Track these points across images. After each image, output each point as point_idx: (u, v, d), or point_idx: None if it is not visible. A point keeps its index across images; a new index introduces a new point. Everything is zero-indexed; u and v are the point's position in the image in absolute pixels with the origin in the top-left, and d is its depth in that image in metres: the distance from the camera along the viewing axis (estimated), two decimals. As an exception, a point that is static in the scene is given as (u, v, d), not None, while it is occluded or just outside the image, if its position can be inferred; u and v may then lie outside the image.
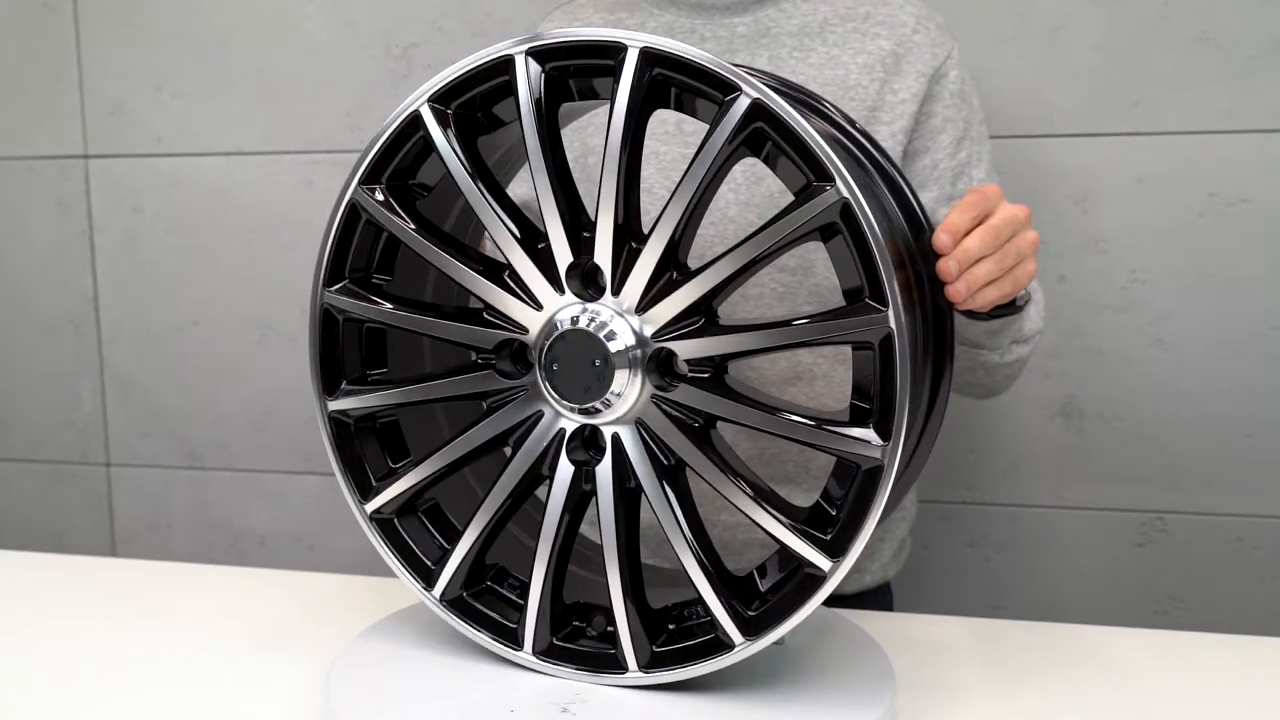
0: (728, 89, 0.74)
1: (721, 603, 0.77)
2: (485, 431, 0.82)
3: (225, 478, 1.82)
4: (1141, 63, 1.43)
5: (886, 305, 0.71)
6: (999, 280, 0.83)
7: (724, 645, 0.78)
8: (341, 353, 0.86)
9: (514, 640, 0.84)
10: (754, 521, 0.77)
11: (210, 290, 1.77)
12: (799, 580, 0.76)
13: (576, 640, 0.84)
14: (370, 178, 0.83)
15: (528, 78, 0.77)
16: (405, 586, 0.87)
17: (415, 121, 0.80)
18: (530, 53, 0.78)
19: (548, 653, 0.84)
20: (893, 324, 0.71)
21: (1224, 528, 1.50)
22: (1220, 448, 1.48)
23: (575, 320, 0.78)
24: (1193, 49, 1.42)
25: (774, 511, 0.76)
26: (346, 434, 0.86)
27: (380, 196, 0.82)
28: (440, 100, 0.80)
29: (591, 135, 1.18)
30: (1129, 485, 1.52)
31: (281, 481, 1.79)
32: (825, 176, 0.72)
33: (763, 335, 0.76)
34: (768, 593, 0.78)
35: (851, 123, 0.82)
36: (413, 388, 0.84)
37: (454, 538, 0.84)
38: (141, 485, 1.86)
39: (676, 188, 0.75)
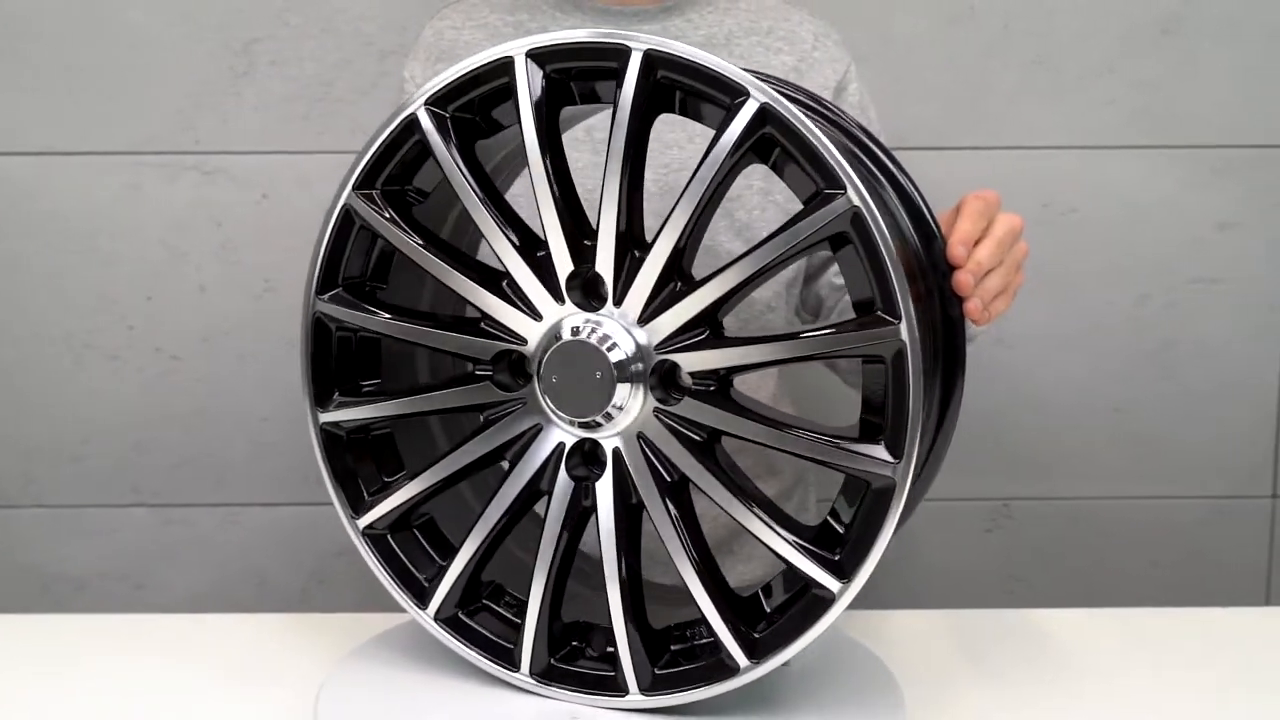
0: (735, 93, 0.72)
1: (726, 624, 0.75)
2: (482, 445, 0.80)
3: (34, 515, 1.63)
4: (985, 81, 1.54)
5: (899, 318, 0.69)
6: (1004, 292, 0.84)
7: (728, 668, 0.76)
8: (334, 363, 0.84)
9: (510, 661, 0.82)
10: (760, 541, 0.74)
11: (15, 305, 1.58)
12: (806, 601, 0.74)
13: (574, 661, 0.82)
14: (364, 183, 0.78)
15: (528, 80, 0.74)
16: (350, 625, 0.89)
17: (411, 125, 0.77)
18: (531, 54, 0.74)
19: (546, 674, 0.81)
20: (905, 338, 0.69)
21: (1060, 510, 1.64)
22: (1055, 437, 1.62)
23: (576, 331, 0.75)
24: (1029, 70, 1.54)
25: (781, 531, 0.74)
26: (338, 446, 0.84)
27: (375, 202, 0.78)
28: (437, 104, 0.77)
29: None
30: (978, 476, 1.63)
31: (104, 517, 1.62)
32: (835, 184, 0.70)
33: (770, 348, 0.74)
34: (773, 614, 0.76)
35: (862, 129, 0.82)
36: (408, 400, 0.81)
37: (449, 554, 0.81)
38: (-75, 529, 1.64)
39: (681, 194, 0.73)
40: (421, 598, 0.83)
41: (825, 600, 0.73)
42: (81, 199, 1.55)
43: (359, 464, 0.85)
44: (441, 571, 0.81)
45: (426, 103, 0.77)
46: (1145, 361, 1.60)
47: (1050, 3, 1.52)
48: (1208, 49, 1.53)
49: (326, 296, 0.81)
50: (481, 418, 0.80)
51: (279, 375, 1.59)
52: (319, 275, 0.82)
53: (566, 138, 1.11)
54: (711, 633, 0.76)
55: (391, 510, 0.82)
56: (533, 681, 0.81)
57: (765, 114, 0.72)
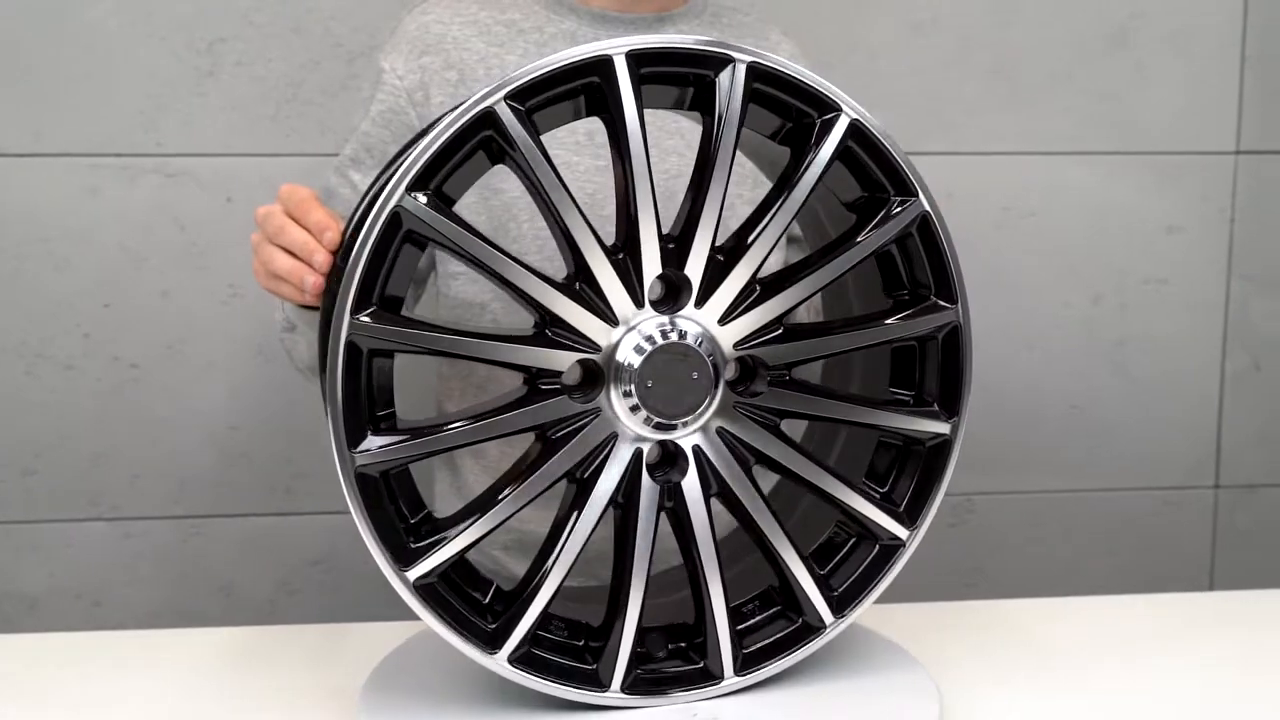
0: (826, 108, 0.78)
1: (817, 585, 0.80)
2: (561, 465, 0.75)
3: (-17, 532, 1.56)
4: (947, 90, 1.59)
5: (955, 301, 0.80)
6: None
7: (813, 628, 0.81)
8: (368, 393, 0.73)
9: (595, 683, 0.78)
10: (837, 499, 0.80)
11: (-37, 313, 1.51)
12: (876, 554, 0.82)
13: (643, 665, 0.80)
14: (416, 183, 0.72)
15: (630, 80, 0.74)
16: (325, 636, 0.84)
17: (484, 119, 0.72)
18: (631, 55, 0.74)
19: (633, 687, 0.78)
20: (960, 318, 0.81)
21: (1018, 504, 1.69)
22: (1015, 433, 1.67)
23: (666, 334, 0.75)
24: (988, 80, 1.59)
25: (856, 487, 0.80)
26: (373, 490, 0.73)
27: (434, 204, 0.73)
28: (516, 98, 0.73)
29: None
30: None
31: (58, 531, 1.56)
32: (906, 191, 0.78)
33: (847, 338, 0.80)
34: (836, 570, 0.83)
35: None
36: (468, 427, 0.74)
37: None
38: None
39: (779, 207, 0.75)
40: (492, 641, 0.75)
41: (894, 547, 0.82)
42: (35, 202, 1.49)
43: (395, 507, 0.75)
44: (519, 610, 0.75)
45: (506, 97, 0.72)
46: (1100, 360, 1.67)
47: (1009, 15, 1.58)
48: (1157, 60, 1.60)
49: (365, 314, 0.71)
50: (547, 436, 0.75)
51: (246, 383, 1.55)
52: (357, 289, 0.71)
53: (568, 142, 1.11)
54: (776, 603, 0.81)
55: (452, 556, 0.74)
56: (624, 697, 0.78)
57: (854, 129, 0.78)
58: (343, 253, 0.76)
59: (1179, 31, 1.59)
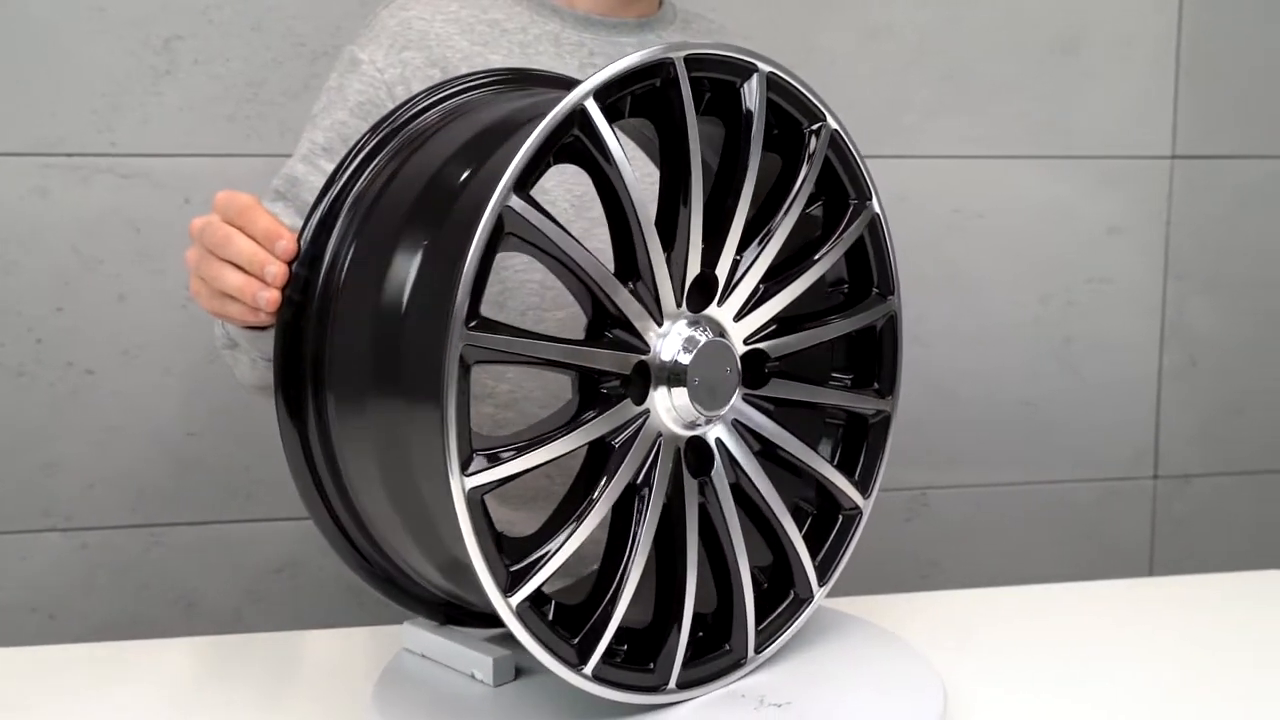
0: (814, 117, 0.82)
1: (810, 555, 0.85)
2: (627, 473, 0.73)
3: (-73, 546, 1.50)
4: (902, 94, 1.63)
5: (893, 293, 0.88)
6: None
7: (803, 599, 0.86)
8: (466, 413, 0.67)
9: (652, 687, 0.77)
10: (815, 470, 0.85)
11: (-95, 319, 1.46)
12: (840, 524, 0.88)
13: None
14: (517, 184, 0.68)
15: (689, 84, 0.75)
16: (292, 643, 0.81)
17: (569, 119, 0.69)
18: (686, 60, 0.75)
19: (684, 684, 0.79)
20: (897, 307, 0.89)
21: (971, 498, 1.75)
22: (968, 429, 1.72)
23: (704, 331, 0.77)
24: (941, 85, 1.64)
25: (829, 463, 0.86)
26: (480, 514, 0.68)
27: (533, 204, 0.69)
28: (597, 96, 0.70)
29: None
30: (898, 468, 1.71)
31: (10, 544, 1.51)
32: (864, 195, 0.85)
33: (836, 326, 0.85)
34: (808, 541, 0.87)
35: None
36: (557, 443, 0.70)
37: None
38: None
39: (790, 204, 0.78)
40: (580, 657, 0.72)
41: (853, 517, 0.88)
42: (-18, 203, 1.44)
43: (492, 532, 0.70)
44: (602, 623, 0.73)
45: (593, 94, 0.70)
46: (1048, 357, 1.73)
47: (961, 22, 1.63)
48: (1099, 68, 1.67)
49: (473, 325, 0.65)
50: (605, 443, 0.73)
51: (203, 389, 1.52)
52: (470, 297, 0.65)
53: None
54: (762, 582, 0.85)
55: (549, 577, 0.71)
56: (680, 693, 0.78)
57: (833, 137, 0.83)
58: (443, 259, 0.67)
59: (1119, 41, 1.66)
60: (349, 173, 0.81)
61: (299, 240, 0.79)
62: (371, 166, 0.82)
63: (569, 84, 0.98)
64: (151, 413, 1.51)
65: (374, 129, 0.83)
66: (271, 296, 0.77)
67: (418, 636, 0.86)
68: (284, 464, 0.78)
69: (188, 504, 1.54)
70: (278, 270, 0.76)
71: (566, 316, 1.06)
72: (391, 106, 1.09)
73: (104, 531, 1.53)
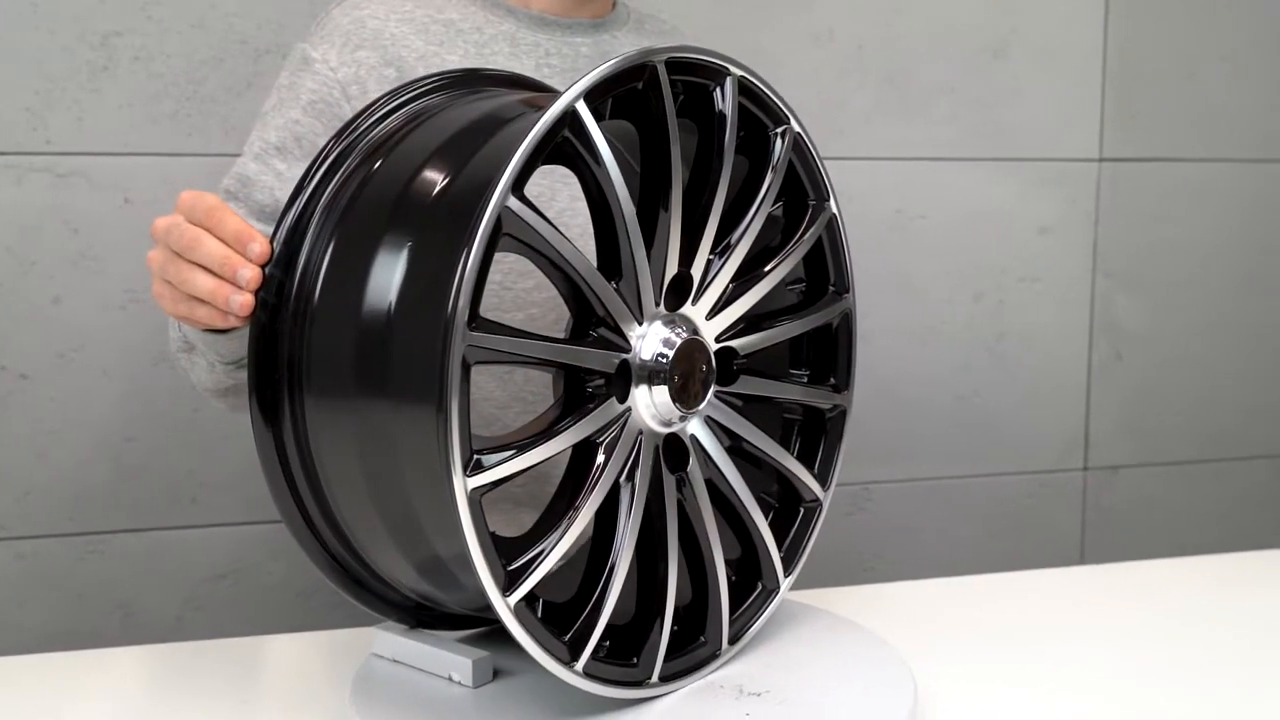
0: (779, 120, 0.85)
1: (779, 549, 0.87)
2: (612, 471, 0.74)
3: None
4: (843, 99, 1.67)
5: (849, 290, 0.91)
6: None
7: (771, 590, 0.88)
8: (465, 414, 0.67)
9: (637, 681, 0.78)
10: (780, 464, 0.88)
11: None
12: (801, 516, 0.91)
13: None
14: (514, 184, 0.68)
15: (670, 87, 0.76)
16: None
17: (561, 121, 0.69)
18: (667, 63, 0.76)
19: (666, 676, 0.80)
20: (852, 305, 0.92)
21: (912, 492, 1.79)
22: (907, 424, 1.76)
23: (681, 330, 0.78)
24: (881, 89, 1.68)
25: (793, 457, 0.89)
26: (480, 515, 0.68)
27: (529, 205, 0.69)
28: (586, 98, 0.71)
29: None
30: (842, 463, 1.75)
31: (-61, 554, 1.46)
32: (823, 196, 0.88)
33: (787, 327, 0.88)
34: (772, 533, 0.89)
35: None
36: (548, 444, 0.71)
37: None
38: None
39: (760, 203, 0.79)
40: (573, 654, 0.73)
41: (814, 508, 0.91)
42: (-91, 203, 1.39)
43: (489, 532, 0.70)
44: (592, 621, 0.73)
45: (584, 97, 0.70)
46: (981, 353, 1.78)
47: (899, 28, 1.67)
48: (1030, 73, 1.72)
49: (474, 326, 0.65)
50: (591, 442, 0.74)
51: (143, 393, 1.49)
52: (470, 298, 0.65)
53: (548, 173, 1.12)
54: (730, 574, 0.86)
55: (544, 576, 0.71)
56: (663, 686, 0.79)
57: (796, 140, 0.86)
58: (435, 260, 0.67)
59: (1049, 48, 1.72)
60: (318, 177, 0.80)
61: (271, 243, 0.78)
62: (342, 170, 0.81)
63: (532, 85, 0.98)
64: (88, 418, 1.48)
65: (338, 135, 0.82)
66: (245, 300, 0.75)
67: (389, 641, 0.86)
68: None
69: (128, 510, 1.50)
70: (252, 274, 0.75)
71: (525, 318, 1.06)
72: (345, 105, 1.08)
73: (39, 540, 1.49)
